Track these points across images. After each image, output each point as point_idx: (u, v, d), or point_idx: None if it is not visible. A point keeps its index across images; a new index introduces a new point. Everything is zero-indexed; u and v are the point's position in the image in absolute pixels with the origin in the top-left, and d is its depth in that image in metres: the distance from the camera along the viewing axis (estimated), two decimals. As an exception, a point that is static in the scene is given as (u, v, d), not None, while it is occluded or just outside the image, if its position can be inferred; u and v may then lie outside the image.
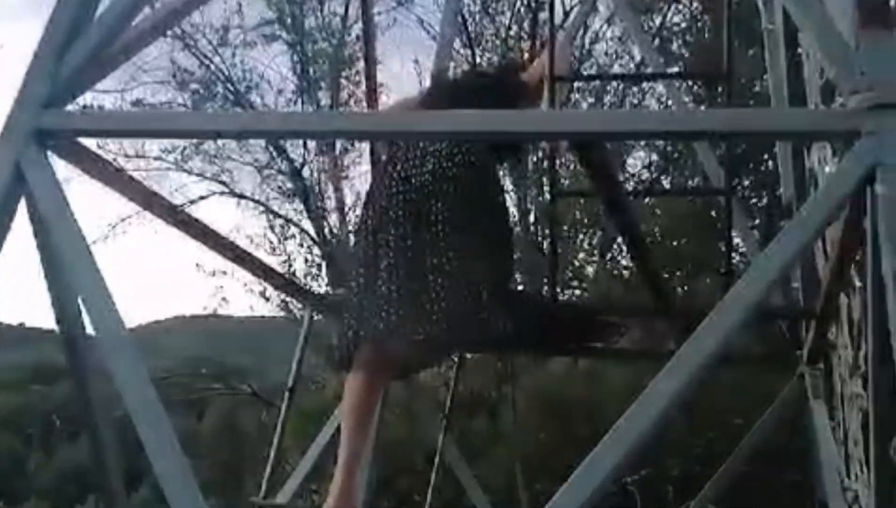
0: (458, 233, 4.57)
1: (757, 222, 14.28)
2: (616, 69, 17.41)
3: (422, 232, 4.58)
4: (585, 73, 16.55)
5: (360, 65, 17.64)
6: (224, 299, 19.05)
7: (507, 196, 5.75)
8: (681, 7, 17.24)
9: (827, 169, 5.34)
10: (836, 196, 3.28)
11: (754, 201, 15.29)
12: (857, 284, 4.74)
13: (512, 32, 17.93)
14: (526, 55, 17.20)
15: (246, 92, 18.54)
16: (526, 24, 17.67)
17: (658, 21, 17.31)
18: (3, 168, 3.59)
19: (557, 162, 7.63)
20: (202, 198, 19.37)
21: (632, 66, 16.87)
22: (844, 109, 3.30)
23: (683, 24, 17.41)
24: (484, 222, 4.76)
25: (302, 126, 4.05)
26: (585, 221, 15.56)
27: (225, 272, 18.12)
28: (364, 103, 8.32)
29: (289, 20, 18.18)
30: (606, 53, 17.67)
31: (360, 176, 18.15)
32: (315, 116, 7.58)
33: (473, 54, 17.57)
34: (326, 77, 18.59)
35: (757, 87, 13.37)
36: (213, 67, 18.29)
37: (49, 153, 3.67)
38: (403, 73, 17.46)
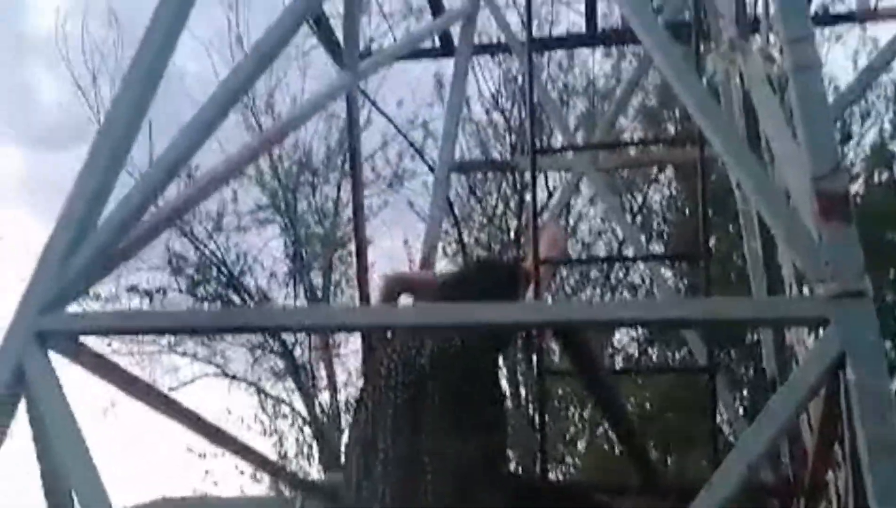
0: (455, 420, 4.64)
1: (744, 393, 14.37)
2: (601, 245, 17.82)
3: (419, 417, 4.65)
4: (570, 251, 16.92)
5: (352, 246, 18.15)
6: (215, 482, 18.82)
7: (502, 380, 5.85)
8: (660, 186, 17.82)
9: (805, 346, 5.49)
10: (811, 379, 3.43)
11: (742, 372, 15.42)
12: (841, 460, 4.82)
13: (498, 212, 18.43)
14: (513, 235, 17.67)
15: (240, 275, 18.90)
16: (512, 204, 18.19)
17: (640, 199, 17.86)
18: (4, 369, 3.71)
19: (544, 342, 7.77)
20: (195, 380, 19.41)
21: (615, 243, 17.28)
22: (812, 297, 3.48)
23: (663, 202, 17.96)
24: (481, 409, 4.84)
25: (306, 320, 4.23)
26: (575, 396, 15.61)
27: (216, 455, 17.98)
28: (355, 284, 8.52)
29: (282, 205, 18.70)
30: (591, 231, 18.12)
31: (350, 354, 18.30)
32: (320, 310, 7.79)
33: (461, 234, 17.99)
34: (319, 259, 18.98)
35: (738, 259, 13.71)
36: (207, 251, 18.70)
37: (50, 352, 3.81)
38: (394, 252, 17.77)
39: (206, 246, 18.73)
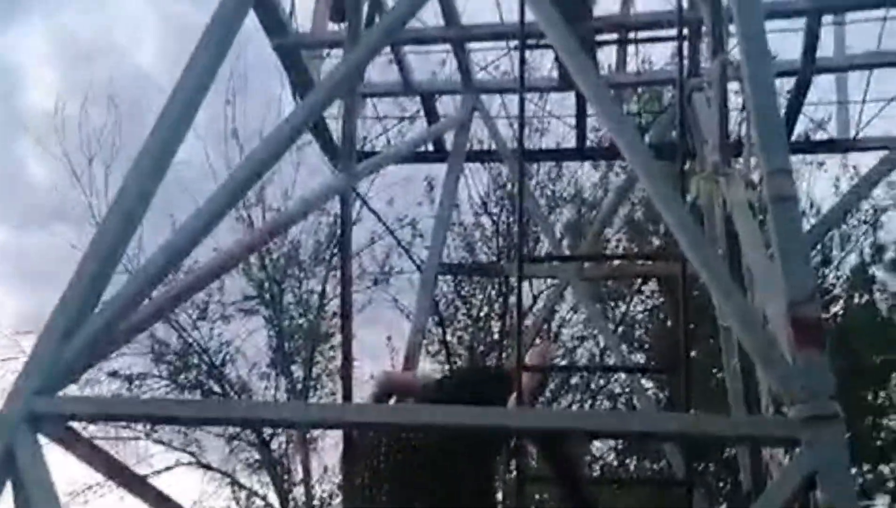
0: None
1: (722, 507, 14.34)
2: (583, 352, 17.92)
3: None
4: (553, 356, 17.01)
5: (335, 340, 18.22)
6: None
7: (495, 488, 5.84)
8: (643, 297, 18.02)
9: (779, 464, 5.59)
10: (783, 497, 3.54)
11: (719, 485, 15.40)
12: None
13: (483, 314, 18.56)
14: (497, 337, 17.77)
15: (221, 365, 18.88)
16: (497, 307, 18.33)
17: (623, 308, 18.04)
18: (-6, 450, 3.78)
19: (524, 448, 7.82)
20: (168, 468, 19.21)
21: (597, 350, 17.39)
22: (786, 418, 3.61)
23: (646, 313, 18.14)
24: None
25: (290, 415, 4.30)
26: (554, 503, 15.53)
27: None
28: (338, 378, 8.60)
29: (268, 296, 18.80)
30: (573, 337, 18.24)
31: (327, 448, 18.20)
32: (304, 407, 7.88)
33: (445, 334, 18.08)
34: (301, 352, 19.01)
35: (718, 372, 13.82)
36: (191, 339, 18.71)
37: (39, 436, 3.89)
38: (377, 349, 17.83)
39: (189, 334, 18.76)
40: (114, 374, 17.84)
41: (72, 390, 4.39)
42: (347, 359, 8.40)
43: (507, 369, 6.28)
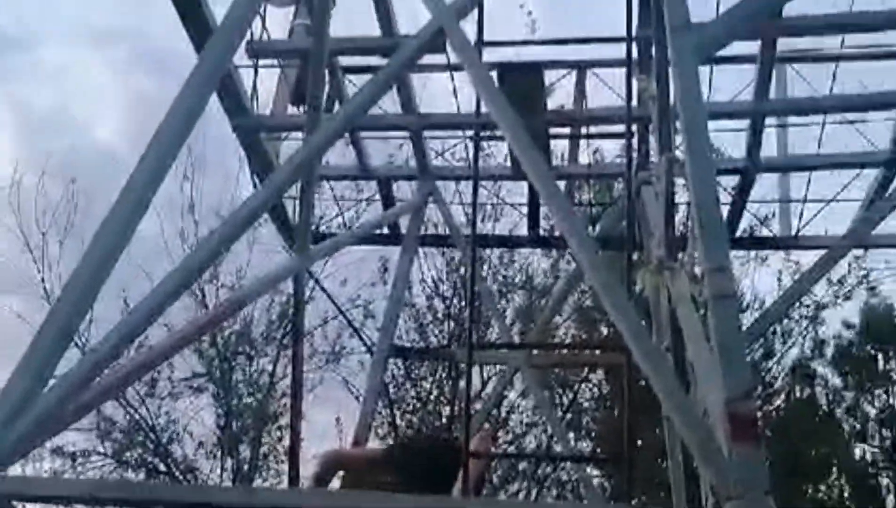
0: None
1: None
2: (531, 438, 17.94)
3: None
4: (500, 441, 17.03)
5: (283, 420, 18.04)
6: None
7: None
8: (591, 385, 18.14)
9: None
10: None
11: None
12: None
13: (432, 397, 18.55)
14: (445, 420, 17.73)
15: (168, 443, 18.60)
16: (446, 390, 18.34)
17: (571, 395, 18.13)
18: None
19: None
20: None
21: (546, 437, 17.42)
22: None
23: (594, 401, 18.25)
24: None
25: (241, 500, 4.29)
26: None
27: None
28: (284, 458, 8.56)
29: (217, 373, 18.64)
30: (522, 423, 18.28)
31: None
32: (256, 492, 7.82)
33: (394, 415, 18.03)
34: (249, 431, 18.81)
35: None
36: (137, 416, 18.43)
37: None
38: (326, 430, 17.71)
39: (136, 410, 18.49)
40: (57, 451, 17.50)
41: (14, 466, 4.37)
42: (295, 440, 8.40)
43: (457, 440, 6.33)
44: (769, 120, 8.87)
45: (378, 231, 10.03)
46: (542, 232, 10.50)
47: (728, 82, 8.94)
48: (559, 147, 10.46)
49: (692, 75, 4.72)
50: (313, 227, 9.93)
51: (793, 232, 10.01)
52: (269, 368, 18.89)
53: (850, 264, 17.23)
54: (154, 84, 24.09)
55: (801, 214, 9.90)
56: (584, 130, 9.40)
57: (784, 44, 8.32)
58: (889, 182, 8.94)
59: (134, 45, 26.52)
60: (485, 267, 17.24)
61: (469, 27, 6.81)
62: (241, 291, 12.82)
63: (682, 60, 4.73)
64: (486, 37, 6.60)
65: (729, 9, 5.59)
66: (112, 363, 4.70)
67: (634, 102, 7.51)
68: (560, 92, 10.81)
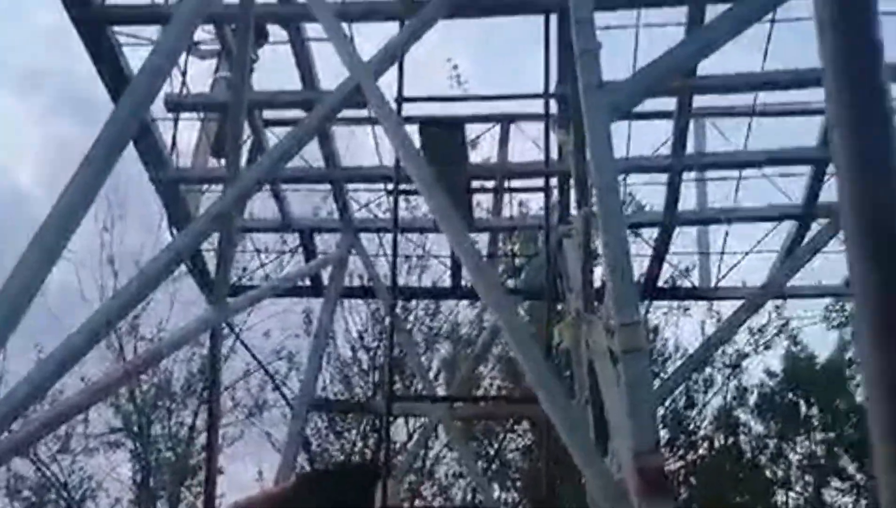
0: None
1: None
2: (457, 489, 17.81)
3: None
4: (426, 492, 16.91)
5: (202, 475, 17.62)
6: None
7: None
8: (516, 436, 18.11)
9: None
10: None
11: None
12: None
13: (357, 449, 18.33)
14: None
15: (81, 500, 18.05)
16: (371, 442, 18.16)
17: (496, 446, 18.08)
18: None
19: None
20: None
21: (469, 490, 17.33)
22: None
23: (517, 452, 18.20)
24: None
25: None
26: None
27: None
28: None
29: (135, 428, 18.20)
30: (448, 475, 18.15)
31: None
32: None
33: (314, 468, 17.76)
34: (167, 486, 18.36)
35: None
36: (49, 473, 17.89)
37: None
38: (246, 483, 17.36)
39: (48, 467, 17.94)
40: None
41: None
42: (211, 494, 8.23)
43: (374, 466, 6.31)
44: (689, 173, 9.06)
45: (300, 283, 9.98)
46: (466, 283, 10.53)
47: (654, 135, 9.12)
48: (487, 199, 10.57)
49: (604, 133, 4.80)
50: (234, 279, 9.84)
51: (713, 283, 10.20)
52: (189, 421, 18.51)
53: (770, 314, 17.57)
54: (77, 129, 23.74)
55: (720, 265, 10.10)
56: (507, 184, 9.50)
57: (703, 100, 8.53)
58: (803, 234, 9.17)
59: (58, 89, 26.14)
60: (410, 318, 17.20)
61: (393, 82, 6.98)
62: (159, 344, 12.61)
63: (594, 119, 4.81)
64: (411, 91, 6.69)
65: (642, 67, 5.72)
66: (22, 414, 4.57)
67: (554, 156, 7.67)
68: (487, 144, 10.89)
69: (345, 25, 6.82)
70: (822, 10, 2.56)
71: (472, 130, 9.12)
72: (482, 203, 11.75)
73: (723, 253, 10.00)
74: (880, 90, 2.56)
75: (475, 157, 11.00)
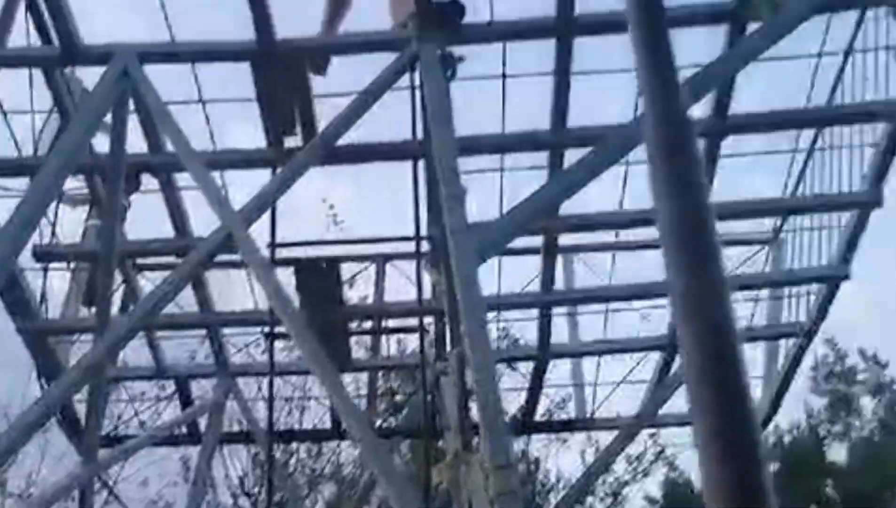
0: None
1: None
2: None
3: None
4: None
5: None
6: None
7: None
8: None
9: None
10: None
11: None
12: None
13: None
14: None
15: None
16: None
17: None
18: None
19: None
20: None
21: None
22: None
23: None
24: None
25: None
26: None
27: None
28: None
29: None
30: None
31: None
32: None
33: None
34: None
35: None
36: None
37: None
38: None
39: None
40: None
41: None
42: None
43: None
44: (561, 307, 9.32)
45: (177, 431, 9.75)
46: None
47: (526, 267, 9.34)
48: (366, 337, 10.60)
49: (472, 275, 4.97)
50: (109, 429, 9.56)
51: (588, 414, 10.38)
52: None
53: (646, 442, 17.87)
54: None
55: (595, 396, 10.30)
56: (384, 323, 9.58)
57: (570, 236, 8.86)
58: (670, 364, 9.45)
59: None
60: (292, 461, 16.89)
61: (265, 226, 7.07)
62: (30, 500, 12.07)
63: (461, 261, 4.98)
64: (285, 228, 6.79)
65: (508, 211, 5.97)
66: None
67: (431, 295, 7.82)
68: (364, 283, 10.97)
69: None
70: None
71: (348, 269, 9.23)
72: (361, 341, 11.78)
73: (596, 384, 10.22)
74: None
75: (352, 294, 11.10)
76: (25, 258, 7.74)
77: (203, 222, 8.16)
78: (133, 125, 7.08)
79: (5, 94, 7.45)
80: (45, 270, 8.14)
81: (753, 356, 9.48)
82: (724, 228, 8.84)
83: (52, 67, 7.03)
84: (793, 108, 7.41)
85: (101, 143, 7.43)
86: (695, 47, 6.82)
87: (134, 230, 8.42)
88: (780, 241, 9.18)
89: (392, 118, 7.28)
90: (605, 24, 6.54)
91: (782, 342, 9.44)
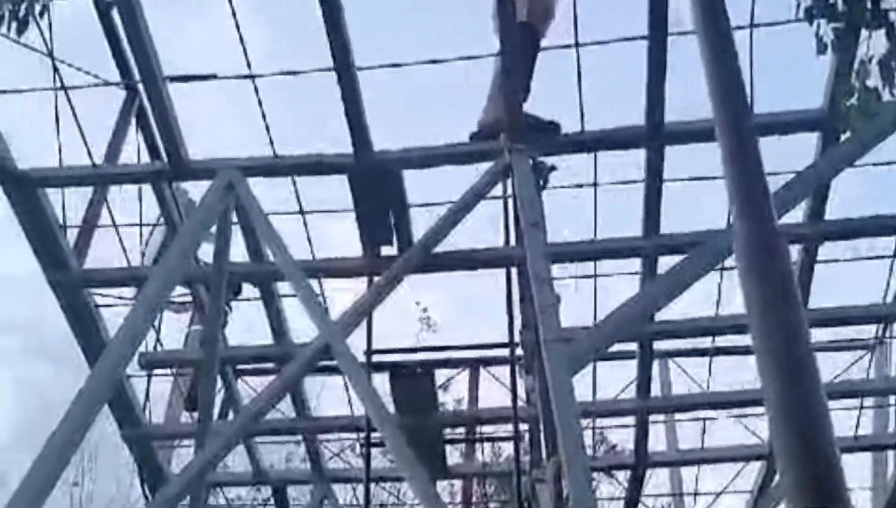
0: None
1: None
2: None
3: None
4: None
5: None
6: None
7: None
8: None
9: None
10: None
11: None
12: None
13: None
14: None
15: None
16: None
17: None
18: None
19: None
20: None
21: None
22: None
23: None
24: None
25: None
26: None
27: None
28: None
29: None
30: None
31: None
32: None
33: None
34: None
35: None
36: None
37: None
38: None
39: None
40: None
41: None
42: None
43: None
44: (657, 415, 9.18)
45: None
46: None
47: (622, 372, 9.24)
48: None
49: (566, 385, 4.98)
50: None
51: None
52: None
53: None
54: (50, 375, 23.61)
55: (695, 505, 10.06)
56: (479, 430, 9.54)
57: (668, 341, 8.76)
58: (772, 473, 9.17)
59: (28, 335, 26.22)
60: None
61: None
62: None
63: (555, 371, 5.00)
64: (381, 332, 6.85)
65: (601, 320, 5.98)
66: None
67: (525, 401, 7.79)
68: (458, 386, 10.95)
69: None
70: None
71: (442, 373, 9.27)
72: (456, 446, 11.73)
73: (696, 494, 9.98)
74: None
75: (447, 397, 11.10)
76: (130, 364, 8.00)
77: (302, 325, 8.38)
78: (235, 232, 7.34)
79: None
80: (149, 376, 8.37)
81: (859, 466, 9.20)
82: (825, 334, 8.68)
83: (161, 182, 7.36)
84: (889, 213, 7.26)
85: (204, 251, 7.74)
86: (788, 150, 6.81)
87: (234, 336, 8.66)
88: (884, 347, 8.94)
89: (483, 224, 7.40)
90: (693, 134, 6.57)
91: (890, 452, 9.13)
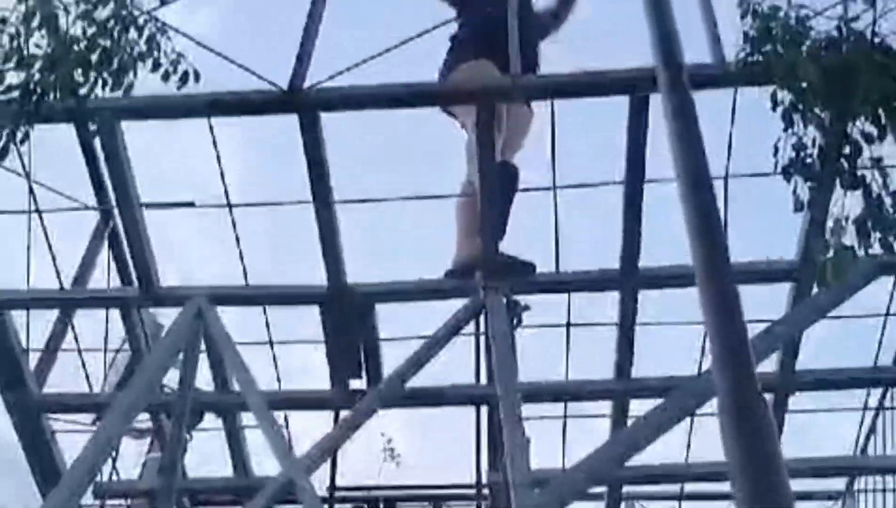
0: None
1: None
2: None
3: None
4: None
5: None
6: None
7: None
8: None
9: None
10: None
11: None
12: None
13: None
14: None
15: None
16: None
17: None
18: None
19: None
20: None
21: None
22: None
23: None
24: None
25: None
26: None
27: None
28: None
29: None
30: None
31: None
32: None
33: None
34: None
35: None
36: None
37: None
38: None
39: None
40: None
41: None
42: None
43: None
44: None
45: None
46: None
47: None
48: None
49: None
50: None
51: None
52: None
53: None
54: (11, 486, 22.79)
55: None
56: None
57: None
58: None
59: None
60: None
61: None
62: None
63: (527, 519, 4.86)
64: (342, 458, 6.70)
65: (572, 466, 5.88)
66: None
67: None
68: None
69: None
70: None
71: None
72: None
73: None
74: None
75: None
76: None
77: (264, 456, 8.17)
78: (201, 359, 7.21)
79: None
80: (102, 506, 8.10)
81: None
82: (794, 484, 8.56)
83: (129, 307, 7.26)
84: (860, 366, 7.27)
85: (168, 376, 7.57)
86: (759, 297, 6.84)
87: (191, 468, 8.40)
88: (853, 498, 8.83)
89: (451, 362, 7.36)
90: (668, 278, 6.61)
91: None
